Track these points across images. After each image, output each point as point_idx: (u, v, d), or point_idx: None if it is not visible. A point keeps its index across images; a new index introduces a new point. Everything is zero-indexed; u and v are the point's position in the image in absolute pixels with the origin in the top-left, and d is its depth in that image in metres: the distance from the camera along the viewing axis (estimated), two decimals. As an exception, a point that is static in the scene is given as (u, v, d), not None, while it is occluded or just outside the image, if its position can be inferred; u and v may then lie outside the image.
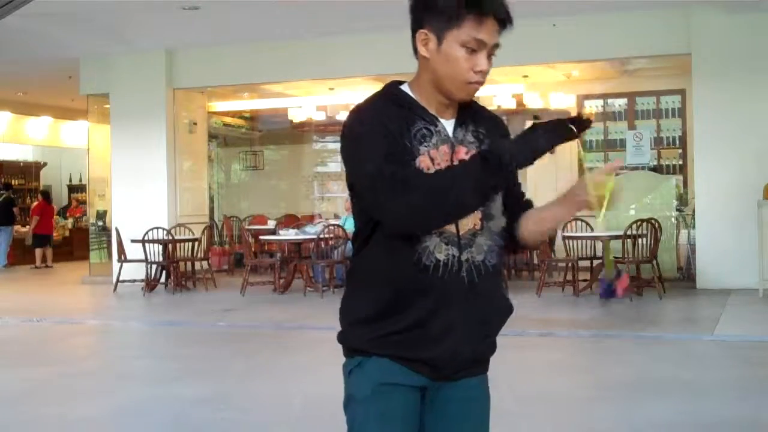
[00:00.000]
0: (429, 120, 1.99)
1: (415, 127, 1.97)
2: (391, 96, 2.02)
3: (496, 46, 1.99)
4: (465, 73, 1.96)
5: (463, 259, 1.97)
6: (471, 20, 1.93)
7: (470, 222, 1.98)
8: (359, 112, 1.98)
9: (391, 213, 1.87)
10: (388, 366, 1.97)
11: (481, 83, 2.00)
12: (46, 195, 18.14)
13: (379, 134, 1.91)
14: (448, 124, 2.02)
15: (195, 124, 14.09)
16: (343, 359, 2.08)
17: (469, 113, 2.07)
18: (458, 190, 1.84)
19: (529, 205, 2.14)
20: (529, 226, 2.10)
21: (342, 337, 2.07)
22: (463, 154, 1.99)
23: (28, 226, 17.67)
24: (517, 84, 13.85)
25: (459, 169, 1.89)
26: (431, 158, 1.95)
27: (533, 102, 14.07)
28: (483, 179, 1.84)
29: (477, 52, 1.95)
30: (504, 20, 1.99)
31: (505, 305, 2.14)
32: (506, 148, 1.87)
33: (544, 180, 14.72)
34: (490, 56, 1.99)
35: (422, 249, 1.94)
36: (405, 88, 2.05)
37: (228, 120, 16.71)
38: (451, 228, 1.96)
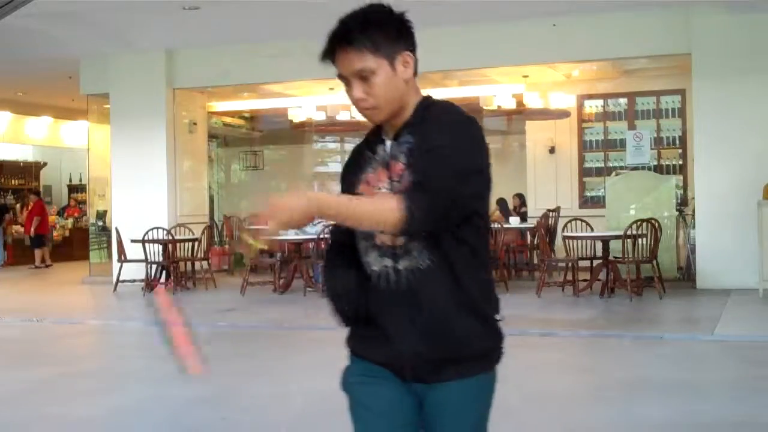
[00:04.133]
0: (375, 145, 2.14)
1: (361, 158, 2.17)
2: (368, 130, 2.22)
3: (362, 71, 2.04)
4: (353, 102, 2.10)
5: (401, 268, 2.06)
6: (329, 60, 2.08)
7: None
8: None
9: None
10: (365, 363, 2.18)
11: (370, 107, 2.08)
12: (39, 194, 18.18)
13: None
14: (390, 144, 2.12)
15: (195, 124, 14.09)
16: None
17: (409, 125, 2.10)
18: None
19: None
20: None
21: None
22: (396, 168, 2.07)
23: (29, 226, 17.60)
24: (517, 84, 13.85)
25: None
26: (368, 182, 2.11)
27: (533, 102, 14.07)
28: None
29: (349, 84, 2.08)
30: (352, 45, 2.04)
31: (470, 302, 2.09)
32: None
33: (544, 179, 14.75)
34: (367, 80, 2.05)
35: (365, 263, 2.13)
36: None
37: (228, 120, 16.71)
38: (386, 239, 2.07)
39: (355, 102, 2.08)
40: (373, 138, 2.16)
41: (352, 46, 2.03)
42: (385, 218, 1.94)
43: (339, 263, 2.20)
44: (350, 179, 2.16)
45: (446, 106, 2.11)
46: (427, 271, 2.05)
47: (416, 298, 2.06)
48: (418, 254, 2.05)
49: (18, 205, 19.19)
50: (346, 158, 2.26)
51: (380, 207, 1.96)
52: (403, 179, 2.03)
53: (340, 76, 2.08)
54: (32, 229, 16.93)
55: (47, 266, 16.96)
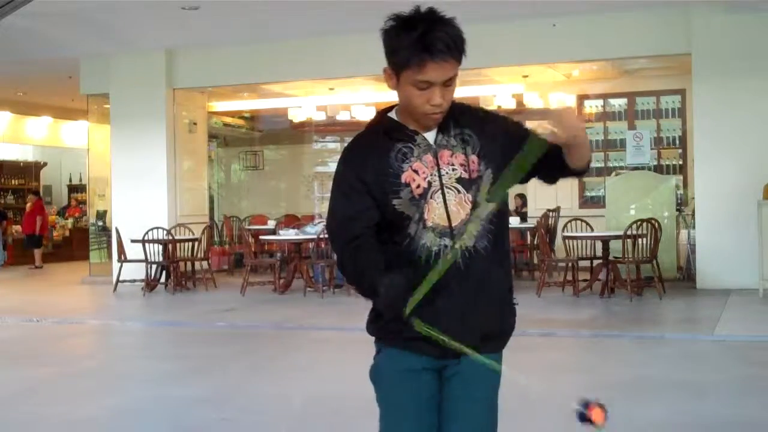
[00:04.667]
0: (408, 138, 2.26)
1: (393, 150, 2.25)
2: (376, 125, 2.32)
3: (451, 79, 2.17)
4: (421, 107, 2.20)
5: (457, 247, 2.21)
6: (417, 65, 2.13)
7: (462, 213, 2.23)
8: (348, 148, 2.34)
9: (336, 255, 2.36)
10: (398, 355, 2.28)
11: (440, 112, 2.21)
12: (39, 194, 18.17)
13: (344, 186, 2.28)
14: (429, 135, 2.27)
15: (195, 124, 14.09)
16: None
17: (453, 118, 2.27)
18: (359, 284, 2.24)
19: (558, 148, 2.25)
20: (572, 162, 2.25)
21: (366, 327, 2.38)
22: (447, 157, 2.25)
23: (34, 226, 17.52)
24: (517, 84, 13.85)
25: (367, 277, 2.18)
26: (415, 170, 2.23)
27: (533, 102, 14.07)
28: (370, 292, 2.18)
29: (428, 88, 2.16)
30: (452, 55, 2.14)
31: (506, 284, 2.39)
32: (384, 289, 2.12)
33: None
34: (447, 86, 2.18)
35: (420, 246, 2.23)
36: (393, 113, 2.32)
37: (228, 120, 16.71)
38: (444, 222, 2.22)
39: (433, 107, 2.18)
40: (395, 132, 2.27)
41: (453, 57, 2.14)
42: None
43: (376, 245, 2.25)
44: (383, 170, 2.23)
45: (467, 104, 2.35)
46: (483, 251, 2.25)
47: (469, 276, 2.23)
48: (478, 235, 2.24)
49: (29, 204, 19.16)
50: (354, 152, 2.31)
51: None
52: (472, 167, 2.23)
53: (422, 82, 2.14)
54: (38, 228, 16.90)
55: (37, 267, 16.89)
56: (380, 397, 2.34)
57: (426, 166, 2.24)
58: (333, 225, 2.33)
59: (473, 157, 2.25)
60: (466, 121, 2.28)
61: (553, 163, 2.22)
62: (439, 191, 2.23)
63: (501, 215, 2.30)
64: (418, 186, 2.22)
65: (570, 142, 2.14)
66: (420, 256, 2.23)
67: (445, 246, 2.22)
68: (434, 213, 2.22)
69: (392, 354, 2.30)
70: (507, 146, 2.22)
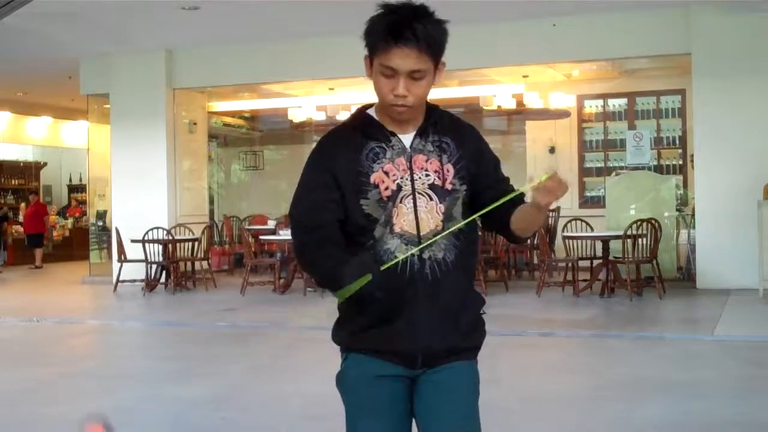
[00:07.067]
0: (382, 138, 2.19)
1: (366, 149, 2.18)
2: (353, 122, 2.25)
3: (417, 71, 2.10)
4: (386, 96, 2.13)
5: (425, 258, 2.16)
6: (383, 49, 2.09)
7: (432, 223, 2.16)
8: (320, 142, 2.26)
9: (294, 241, 2.28)
10: (365, 360, 2.21)
11: (405, 106, 2.13)
12: (38, 194, 18.23)
13: (315, 176, 2.20)
14: (406, 138, 2.20)
15: (195, 124, 14.09)
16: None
17: (433, 124, 2.22)
18: (314, 273, 2.24)
19: (520, 199, 2.23)
20: (516, 224, 2.22)
21: (332, 335, 2.34)
22: (422, 162, 2.18)
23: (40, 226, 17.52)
24: (517, 84, 13.85)
25: (326, 267, 2.13)
26: (385, 172, 2.16)
27: (533, 102, 14.06)
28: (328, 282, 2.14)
29: (394, 77, 2.10)
30: (419, 45, 2.08)
31: (473, 297, 2.28)
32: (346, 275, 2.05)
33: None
34: (416, 80, 2.11)
35: (383, 251, 2.16)
36: (371, 110, 2.25)
37: (228, 120, 16.71)
38: (412, 229, 2.15)
39: (396, 96, 2.11)
40: (371, 130, 2.20)
41: (419, 46, 2.08)
42: None
43: (341, 239, 2.17)
44: (353, 167, 2.16)
45: (456, 116, 2.28)
46: (450, 263, 2.18)
47: (438, 288, 2.16)
48: (445, 246, 2.17)
49: (31, 198, 19.20)
50: (327, 146, 2.24)
51: None
52: (447, 176, 2.17)
53: (386, 68, 2.10)
54: (49, 227, 16.98)
55: (37, 267, 16.91)
56: (348, 402, 2.26)
57: (397, 168, 2.16)
58: (297, 212, 2.24)
59: (448, 166, 2.19)
60: (445, 129, 2.22)
61: (504, 216, 2.21)
62: (410, 196, 2.16)
63: (470, 232, 2.23)
64: (387, 188, 2.15)
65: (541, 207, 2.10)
66: (383, 259, 2.14)
67: (413, 255, 2.14)
68: (403, 219, 2.15)
69: (361, 359, 2.22)
70: (478, 172, 2.22)
